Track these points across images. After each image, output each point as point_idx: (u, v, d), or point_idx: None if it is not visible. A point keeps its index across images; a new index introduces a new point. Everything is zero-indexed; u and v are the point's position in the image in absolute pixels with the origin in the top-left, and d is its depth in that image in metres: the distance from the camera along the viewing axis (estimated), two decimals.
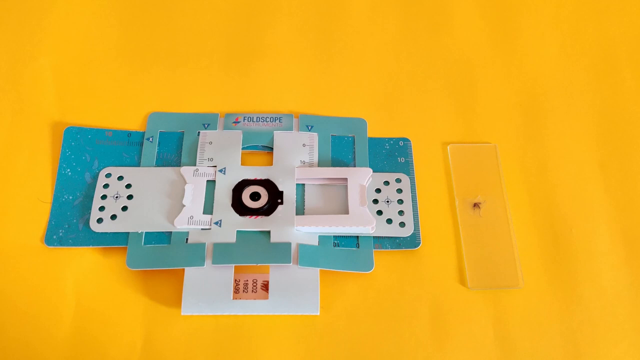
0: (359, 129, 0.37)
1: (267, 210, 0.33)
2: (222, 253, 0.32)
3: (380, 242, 0.34)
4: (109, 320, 0.32)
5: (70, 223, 0.33)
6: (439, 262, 0.34)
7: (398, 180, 0.35)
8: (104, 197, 0.34)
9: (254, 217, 0.33)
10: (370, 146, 0.37)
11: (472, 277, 0.34)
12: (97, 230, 0.33)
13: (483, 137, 0.38)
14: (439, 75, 0.40)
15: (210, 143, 0.35)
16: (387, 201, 0.35)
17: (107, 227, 0.33)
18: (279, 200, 0.34)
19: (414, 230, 0.34)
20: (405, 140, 0.37)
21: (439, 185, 0.36)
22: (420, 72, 0.40)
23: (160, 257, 0.32)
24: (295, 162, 0.35)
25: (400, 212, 0.34)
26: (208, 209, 0.33)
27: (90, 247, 0.33)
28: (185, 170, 0.34)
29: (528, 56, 0.41)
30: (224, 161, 0.35)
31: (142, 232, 0.33)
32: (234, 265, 0.32)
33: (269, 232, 0.33)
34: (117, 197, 0.34)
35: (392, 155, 0.37)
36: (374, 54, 0.41)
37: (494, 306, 0.33)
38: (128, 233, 0.33)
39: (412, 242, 0.34)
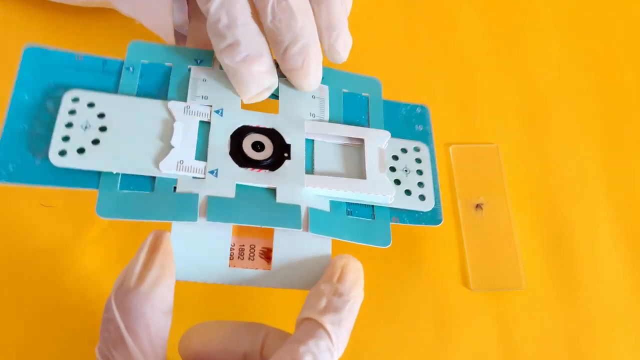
0: (373, 89, 0.33)
1: (272, 164, 0.28)
2: (219, 208, 0.26)
3: (398, 214, 0.30)
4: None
5: (24, 156, 0.27)
6: (441, 263, 0.34)
7: (416, 149, 0.32)
8: (69, 125, 0.27)
9: (256, 170, 0.28)
10: (385, 109, 0.33)
11: (475, 279, 0.33)
12: (58, 165, 0.26)
13: (485, 138, 0.38)
14: (441, 76, 0.40)
15: (204, 80, 0.29)
16: (406, 170, 0.31)
17: (73, 161, 0.26)
18: (286, 155, 0.29)
19: (435, 204, 0.30)
20: (423, 107, 0.34)
21: (441, 186, 0.36)
22: (421, 72, 0.40)
23: (141, 206, 0.25)
24: (304, 113, 0.30)
25: (420, 184, 0.31)
26: (201, 155, 0.27)
27: (49, 186, 0.26)
28: (174, 106, 0.28)
29: (530, 57, 0.41)
30: (221, 101, 0.29)
31: (117, 174, 0.26)
32: (232, 225, 0.27)
33: (274, 190, 0.28)
34: (86, 127, 0.27)
35: (408, 122, 0.33)
36: (375, 55, 0.41)
37: (496, 307, 0.33)
38: (100, 173, 0.26)
39: (433, 218, 0.30)
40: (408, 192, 0.30)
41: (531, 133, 0.38)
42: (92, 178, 0.26)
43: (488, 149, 0.37)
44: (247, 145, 0.28)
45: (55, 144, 0.26)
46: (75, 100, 0.27)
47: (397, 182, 0.30)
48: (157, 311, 0.22)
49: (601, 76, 0.41)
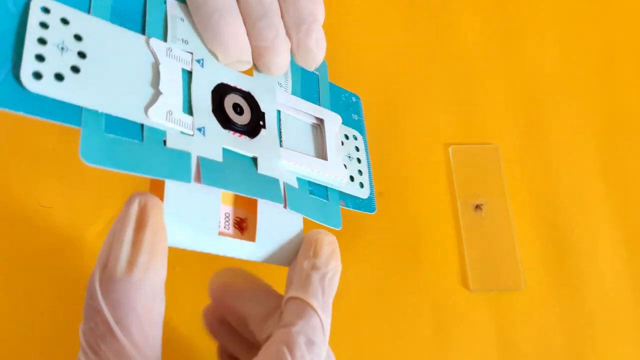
0: (321, 69, 0.32)
1: (251, 131, 0.26)
2: (212, 172, 0.24)
3: (344, 198, 0.30)
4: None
5: None
6: (441, 264, 0.34)
7: (355, 138, 0.31)
8: (42, 41, 0.22)
9: (237, 134, 0.26)
10: (330, 92, 0.32)
11: (475, 279, 0.33)
12: (33, 90, 0.21)
13: (484, 138, 0.38)
14: (440, 76, 0.40)
15: (182, 20, 0.26)
16: (349, 157, 0.30)
17: (50, 88, 0.21)
18: (261, 123, 0.27)
19: (370, 194, 0.31)
20: (357, 97, 0.33)
21: (441, 186, 0.36)
22: (421, 72, 0.40)
23: (131, 156, 0.22)
24: (273, 82, 0.28)
25: (360, 172, 0.31)
26: (187, 108, 0.24)
27: (20, 113, 0.21)
28: (157, 46, 0.24)
29: (529, 56, 0.41)
30: (201, 50, 0.26)
31: (102, 114, 0.22)
32: (221, 191, 0.24)
33: (254, 159, 0.26)
34: (63, 48, 0.22)
35: (347, 110, 0.32)
36: (375, 55, 0.41)
37: (496, 308, 0.33)
38: (82, 108, 0.22)
39: (369, 205, 0.31)
40: (352, 178, 0.30)
41: (531, 133, 0.38)
42: (73, 112, 0.21)
43: (488, 149, 0.37)
44: (228, 105, 0.26)
45: (28, 63, 0.21)
46: (46, 10, 0.22)
47: (344, 167, 0.30)
48: (150, 300, 0.20)
49: (601, 76, 0.41)
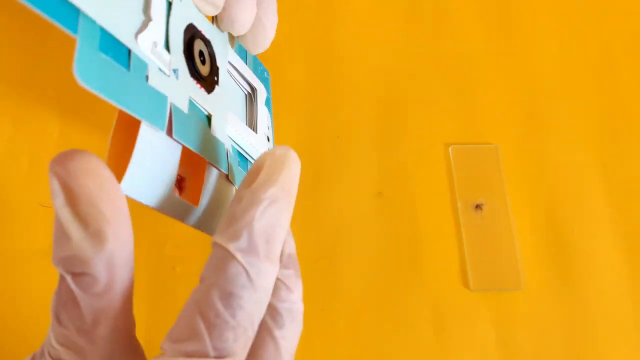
0: None
1: (208, 85, 0.23)
2: (181, 124, 0.21)
3: None
4: None
5: None
6: (441, 264, 0.34)
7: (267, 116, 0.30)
8: None
9: (199, 86, 0.23)
10: (253, 62, 0.29)
11: (475, 279, 0.33)
12: None
13: (484, 138, 0.38)
14: (440, 75, 0.40)
15: None
16: (265, 133, 0.29)
17: None
18: (216, 79, 0.24)
19: None
20: (268, 72, 0.31)
21: (441, 186, 0.36)
22: (421, 72, 0.40)
23: (118, 84, 0.20)
24: (226, 38, 0.25)
25: None
26: (165, 43, 0.22)
27: None
28: None
29: (529, 57, 0.41)
30: None
31: (98, 27, 0.19)
32: (181, 147, 0.22)
33: (209, 118, 0.23)
34: None
35: (263, 84, 0.30)
36: (374, 55, 0.41)
37: (496, 308, 0.33)
38: (79, 13, 0.19)
39: None
40: None
41: (531, 133, 0.38)
42: (70, 16, 0.18)
43: (488, 149, 0.37)
44: (196, 51, 0.23)
45: None
46: None
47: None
48: (115, 270, 0.18)
49: (601, 76, 0.41)
